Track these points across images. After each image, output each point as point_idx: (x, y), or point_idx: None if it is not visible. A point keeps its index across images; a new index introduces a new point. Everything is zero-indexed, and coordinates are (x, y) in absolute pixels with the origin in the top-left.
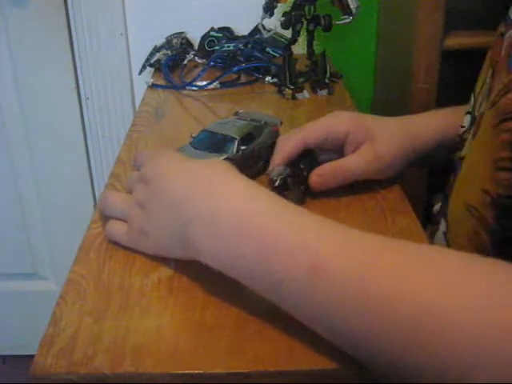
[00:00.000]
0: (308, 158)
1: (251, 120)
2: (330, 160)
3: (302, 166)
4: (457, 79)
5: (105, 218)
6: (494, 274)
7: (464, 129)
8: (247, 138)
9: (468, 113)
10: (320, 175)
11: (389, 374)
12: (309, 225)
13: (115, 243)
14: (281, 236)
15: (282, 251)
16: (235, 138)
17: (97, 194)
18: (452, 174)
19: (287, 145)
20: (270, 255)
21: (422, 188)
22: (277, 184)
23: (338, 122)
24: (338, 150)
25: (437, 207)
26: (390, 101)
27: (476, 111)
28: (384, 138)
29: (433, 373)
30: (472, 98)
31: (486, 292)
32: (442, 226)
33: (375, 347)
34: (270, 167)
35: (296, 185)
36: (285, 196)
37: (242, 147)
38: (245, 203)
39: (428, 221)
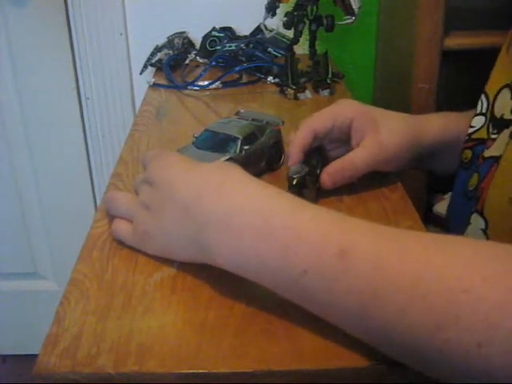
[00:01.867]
0: (318, 154)
1: (253, 120)
2: (339, 156)
3: (314, 163)
4: (457, 79)
5: (110, 217)
6: (507, 256)
7: (474, 129)
8: (250, 138)
9: (480, 114)
10: (330, 174)
11: (415, 365)
12: (329, 218)
13: (119, 242)
14: (303, 232)
15: (306, 243)
16: (238, 138)
17: (97, 194)
18: (477, 173)
19: (298, 135)
20: (292, 249)
21: (422, 188)
22: (295, 182)
23: (343, 108)
24: (345, 141)
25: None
26: (390, 101)
27: (497, 114)
28: (388, 127)
29: (466, 351)
30: (484, 100)
31: (507, 270)
32: (478, 223)
33: (406, 330)
34: (289, 161)
35: (312, 182)
36: (303, 194)
37: (245, 147)
38: (260, 204)
39: (429, 221)
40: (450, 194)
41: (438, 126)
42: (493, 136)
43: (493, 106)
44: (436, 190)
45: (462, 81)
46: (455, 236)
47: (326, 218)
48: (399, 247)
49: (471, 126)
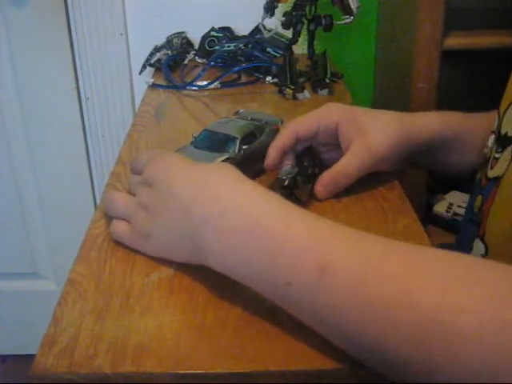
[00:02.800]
0: (309, 154)
1: (252, 119)
2: (332, 158)
3: (305, 164)
4: (457, 79)
5: (109, 217)
6: (500, 278)
7: (488, 148)
8: (248, 138)
9: (493, 132)
10: (323, 185)
11: (397, 380)
12: (318, 227)
13: (117, 243)
14: (290, 238)
15: (291, 253)
16: (237, 138)
17: (97, 194)
18: (480, 195)
19: (280, 137)
20: (278, 257)
21: (421, 188)
22: (286, 183)
23: (328, 112)
24: (335, 144)
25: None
26: (390, 101)
27: (503, 131)
28: (376, 129)
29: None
30: (496, 118)
31: (491, 296)
32: (478, 249)
33: (380, 353)
34: (266, 161)
35: (304, 183)
36: (294, 194)
37: (244, 146)
38: (253, 206)
39: (429, 221)
40: (450, 193)
41: (435, 123)
42: (496, 155)
43: (501, 123)
44: (436, 190)
45: (462, 81)
46: (450, 252)
47: (314, 226)
48: (382, 264)
49: (487, 146)
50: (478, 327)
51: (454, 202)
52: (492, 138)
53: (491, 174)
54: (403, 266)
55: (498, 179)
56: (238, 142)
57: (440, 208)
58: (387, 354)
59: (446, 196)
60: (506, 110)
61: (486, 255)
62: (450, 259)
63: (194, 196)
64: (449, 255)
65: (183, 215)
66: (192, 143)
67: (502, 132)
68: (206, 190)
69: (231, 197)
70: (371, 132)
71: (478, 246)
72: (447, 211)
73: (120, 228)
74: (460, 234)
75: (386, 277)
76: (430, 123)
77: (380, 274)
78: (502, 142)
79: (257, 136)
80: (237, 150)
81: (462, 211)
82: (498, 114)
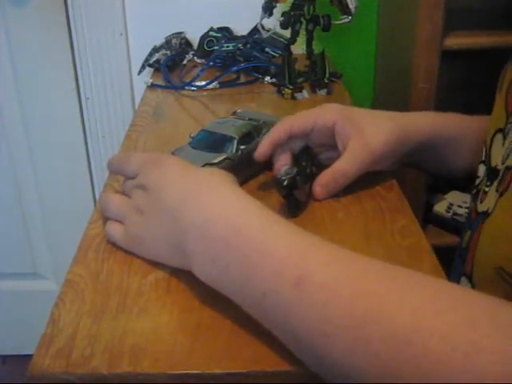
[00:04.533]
0: (307, 154)
1: (249, 119)
2: (329, 158)
3: (303, 164)
4: (457, 79)
5: (105, 218)
6: (475, 305)
7: (479, 180)
8: (246, 138)
9: (482, 162)
10: (322, 185)
11: None
12: (297, 240)
13: (114, 244)
14: (267, 249)
15: (268, 264)
16: (234, 138)
17: (97, 194)
18: (469, 230)
19: (274, 130)
20: (255, 268)
21: (421, 188)
22: (286, 184)
23: (325, 112)
24: (332, 145)
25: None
26: (389, 101)
27: (493, 163)
28: (372, 127)
29: None
30: (484, 148)
31: (464, 323)
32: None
33: (350, 371)
34: (257, 152)
35: (303, 183)
36: (294, 195)
37: (242, 146)
38: (235, 215)
39: (429, 221)
40: (450, 193)
41: (432, 123)
42: (486, 188)
43: (489, 152)
44: (436, 190)
45: (462, 81)
46: (423, 275)
47: (294, 238)
48: (358, 281)
49: (477, 176)
50: (450, 350)
51: (454, 202)
52: (482, 168)
53: (480, 208)
54: (378, 284)
55: (485, 214)
56: (235, 142)
57: (440, 208)
58: (356, 371)
59: (445, 196)
60: (492, 139)
61: None
62: (426, 281)
63: (182, 203)
64: (426, 278)
65: (171, 221)
66: (189, 143)
67: (492, 164)
68: (194, 198)
69: (215, 206)
70: (368, 131)
71: (464, 282)
72: (447, 211)
73: (114, 229)
74: (450, 269)
75: (360, 294)
76: (426, 122)
77: (355, 291)
78: (491, 174)
79: (254, 136)
80: (234, 150)
81: (462, 211)
82: (485, 144)
